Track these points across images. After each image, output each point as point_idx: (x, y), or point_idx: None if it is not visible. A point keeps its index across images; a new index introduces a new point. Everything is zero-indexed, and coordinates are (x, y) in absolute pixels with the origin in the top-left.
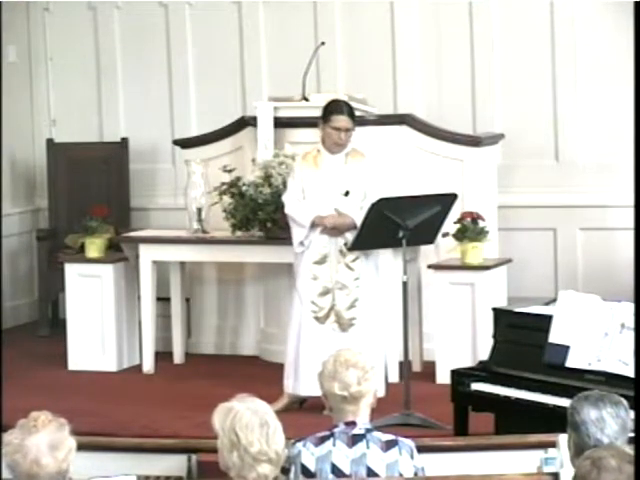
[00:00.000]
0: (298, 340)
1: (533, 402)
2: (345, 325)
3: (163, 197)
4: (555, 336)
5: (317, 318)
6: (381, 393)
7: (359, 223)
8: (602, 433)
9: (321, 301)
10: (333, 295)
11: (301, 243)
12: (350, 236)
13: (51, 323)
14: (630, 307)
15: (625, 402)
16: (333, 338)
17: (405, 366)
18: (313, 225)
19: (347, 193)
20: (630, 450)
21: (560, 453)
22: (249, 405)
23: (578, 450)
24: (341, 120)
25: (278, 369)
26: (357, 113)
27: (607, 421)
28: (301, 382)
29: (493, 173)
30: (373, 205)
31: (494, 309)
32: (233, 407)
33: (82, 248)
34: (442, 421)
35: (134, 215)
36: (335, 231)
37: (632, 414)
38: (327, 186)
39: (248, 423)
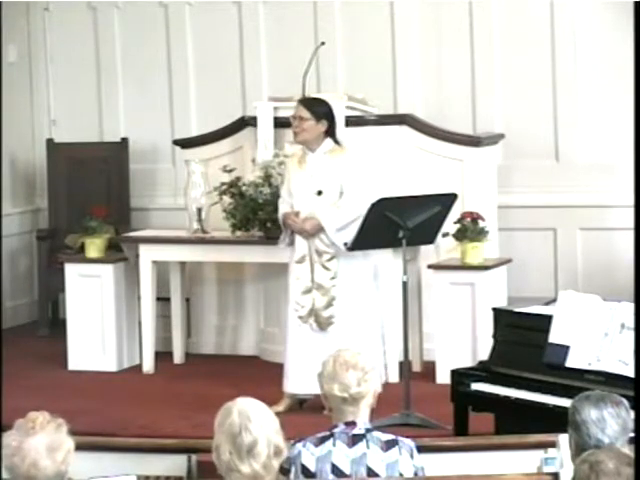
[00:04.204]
0: (289, 339)
1: (533, 402)
2: (324, 324)
3: (163, 197)
4: (555, 336)
5: (300, 317)
6: None
7: (325, 223)
8: (603, 433)
9: (303, 300)
10: (313, 294)
11: (283, 241)
12: (325, 238)
13: (51, 323)
14: (630, 307)
15: (626, 402)
16: (316, 337)
17: (405, 366)
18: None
19: (320, 192)
20: (628, 452)
21: (560, 453)
22: (240, 409)
23: (579, 450)
24: (294, 108)
25: (278, 369)
26: (357, 113)
27: (608, 421)
28: (289, 380)
29: (493, 173)
30: (373, 205)
31: (494, 309)
32: (227, 408)
33: (82, 248)
34: (442, 421)
35: (134, 215)
36: (306, 234)
37: (632, 414)
38: (308, 185)
39: (224, 431)
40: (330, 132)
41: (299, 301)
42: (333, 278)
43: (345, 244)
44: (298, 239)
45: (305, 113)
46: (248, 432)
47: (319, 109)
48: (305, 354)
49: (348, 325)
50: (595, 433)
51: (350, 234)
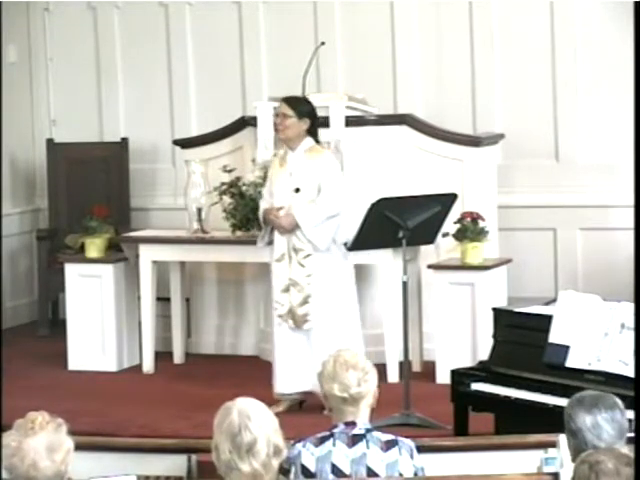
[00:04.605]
0: (274, 340)
1: (533, 402)
2: (299, 322)
3: (163, 197)
4: (555, 336)
5: (280, 316)
6: None
7: (300, 220)
8: (599, 439)
9: (282, 299)
10: (290, 292)
11: (263, 239)
12: (301, 235)
13: (51, 323)
14: (630, 307)
15: (620, 403)
16: (296, 336)
17: (405, 366)
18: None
19: (297, 190)
20: (627, 452)
21: (560, 453)
22: (239, 408)
23: (577, 453)
24: (278, 107)
25: None
26: (357, 113)
27: (603, 427)
28: (276, 381)
29: (493, 173)
30: (373, 205)
31: (494, 309)
32: (227, 408)
33: (82, 248)
34: (442, 421)
35: (134, 215)
36: (283, 230)
37: (629, 413)
38: (287, 183)
39: (224, 430)
40: (312, 131)
41: (278, 300)
42: (309, 276)
43: (345, 244)
44: (277, 238)
45: (288, 111)
46: (248, 431)
47: (302, 107)
48: (288, 353)
49: (326, 324)
50: (591, 440)
51: (327, 231)
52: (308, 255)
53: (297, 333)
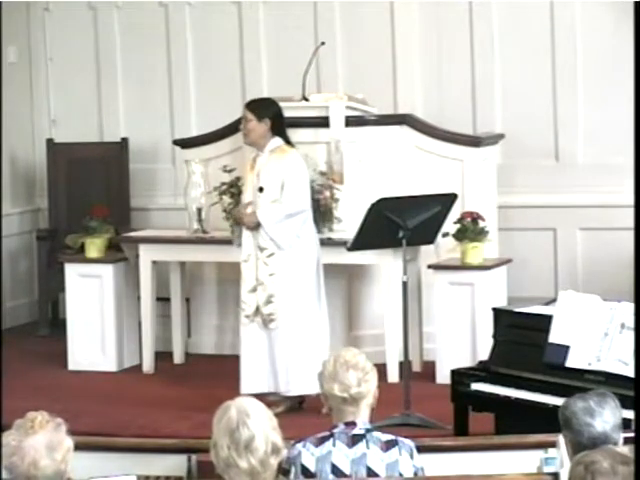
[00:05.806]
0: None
1: (533, 402)
2: (266, 321)
3: (163, 197)
4: (555, 336)
5: (247, 316)
6: (302, 391)
7: (262, 218)
8: (592, 418)
9: (248, 299)
10: (257, 292)
11: (237, 241)
12: (264, 233)
13: (51, 323)
14: (630, 307)
15: (610, 394)
16: (262, 335)
17: (405, 366)
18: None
19: (261, 189)
20: (623, 450)
21: (560, 453)
22: (238, 405)
23: (576, 448)
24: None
25: None
26: (357, 113)
27: (595, 409)
28: (241, 380)
29: (493, 173)
30: (373, 205)
31: (494, 309)
32: (226, 406)
33: (82, 248)
34: (442, 421)
35: (134, 215)
36: (246, 227)
37: (629, 413)
38: (254, 184)
39: (222, 427)
40: (278, 132)
41: (245, 300)
42: (272, 275)
43: (345, 244)
44: (245, 238)
45: (248, 114)
46: (246, 427)
47: (260, 109)
48: (255, 353)
49: (289, 324)
50: (585, 419)
51: (289, 229)
52: (272, 254)
53: (262, 333)
